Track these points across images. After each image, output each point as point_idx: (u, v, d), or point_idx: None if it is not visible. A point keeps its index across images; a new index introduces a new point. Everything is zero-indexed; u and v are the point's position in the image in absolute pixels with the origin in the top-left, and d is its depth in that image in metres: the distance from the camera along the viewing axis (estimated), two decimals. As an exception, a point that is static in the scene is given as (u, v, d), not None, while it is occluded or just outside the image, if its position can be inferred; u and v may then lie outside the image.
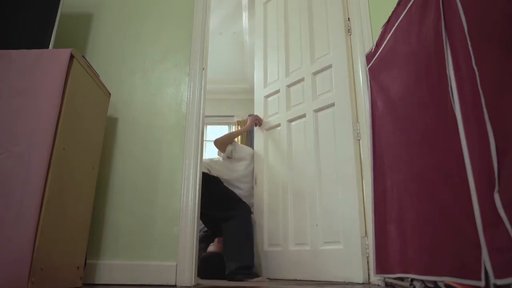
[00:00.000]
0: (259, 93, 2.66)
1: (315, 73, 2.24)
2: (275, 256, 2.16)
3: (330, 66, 2.14)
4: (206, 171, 2.36)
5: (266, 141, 2.50)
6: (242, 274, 2.05)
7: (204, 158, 2.53)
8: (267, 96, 2.59)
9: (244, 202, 2.36)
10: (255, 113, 2.62)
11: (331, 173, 1.98)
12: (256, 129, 2.60)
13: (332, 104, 2.06)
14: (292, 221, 2.13)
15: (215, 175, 2.42)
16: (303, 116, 2.24)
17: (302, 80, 2.32)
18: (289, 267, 2.06)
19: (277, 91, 2.49)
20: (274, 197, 2.29)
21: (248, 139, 5.16)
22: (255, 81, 2.74)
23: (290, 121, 2.34)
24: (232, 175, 2.49)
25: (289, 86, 2.41)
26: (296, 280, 1.99)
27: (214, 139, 2.55)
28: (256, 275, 2.14)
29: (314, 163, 2.08)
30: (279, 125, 2.42)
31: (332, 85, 2.10)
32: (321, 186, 2.02)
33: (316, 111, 2.17)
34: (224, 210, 2.27)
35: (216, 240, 2.49)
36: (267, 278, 2.14)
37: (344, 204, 1.85)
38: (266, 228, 2.28)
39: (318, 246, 1.94)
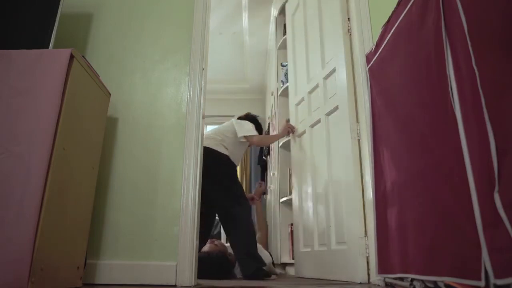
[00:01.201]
0: (292, 101, 2.76)
1: (325, 77, 2.26)
2: (307, 256, 2.27)
3: (335, 69, 2.15)
4: (226, 152, 2.41)
5: (299, 148, 2.59)
6: (262, 274, 2.14)
7: (211, 131, 2.58)
8: (297, 104, 2.67)
9: (247, 200, 2.45)
10: (290, 121, 2.73)
11: (339, 175, 2.00)
12: (291, 136, 2.71)
13: (337, 107, 2.08)
14: (316, 223, 2.20)
15: (228, 155, 2.44)
16: (319, 121, 2.29)
17: (317, 85, 2.36)
18: (315, 267, 2.15)
19: (303, 99, 2.57)
20: (305, 202, 2.40)
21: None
22: (289, 90, 2.87)
23: (312, 126, 2.40)
24: (240, 153, 2.59)
25: (309, 92, 2.47)
26: (319, 279, 2.06)
27: (250, 135, 2.55)
28: (269, 274, 2.20)
29: (326, 165, 2.13)
30: (304, 131, 2.49)
31: (336, 88, 2.12)
32: (332, 187, 2.05)
33: (327, 114, 2.19)
34: (230, 200, 2.31)
35: (209, 241, 2.50)
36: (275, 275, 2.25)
37: (347, 204, 1.87)
38: (301, 231, 2.39)
39: (332, 246, 1.99)
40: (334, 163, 2.08)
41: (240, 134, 2.50)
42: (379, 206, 1.45)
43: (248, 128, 2.56)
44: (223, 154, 2.39)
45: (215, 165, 2.30)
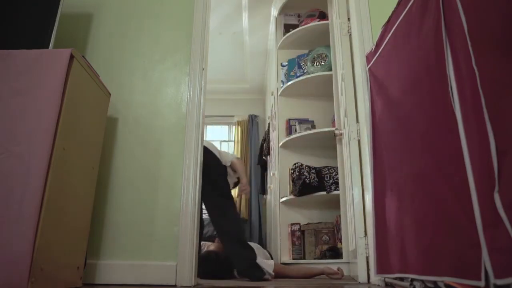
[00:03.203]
0: None
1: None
2: None
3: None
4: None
5: None
6: (258, 272, 2.11)
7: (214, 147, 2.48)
8: None
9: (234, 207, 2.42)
10: None
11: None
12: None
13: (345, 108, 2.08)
14: None
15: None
16: None
17: None
18: None
19: None
20: None
21: (248, 143, 5.16)
22: None
23: None
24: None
25: None
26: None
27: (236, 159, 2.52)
28: (263, 271, 2.18)
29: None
30: None
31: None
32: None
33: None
34: (221, 207, 2.29)
35: (216, 240, 2.51)
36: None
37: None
38: None
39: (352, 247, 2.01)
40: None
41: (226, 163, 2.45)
42: (377, 206, 1.45)
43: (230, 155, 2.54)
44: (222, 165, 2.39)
45: (214, 169, 2.29)
